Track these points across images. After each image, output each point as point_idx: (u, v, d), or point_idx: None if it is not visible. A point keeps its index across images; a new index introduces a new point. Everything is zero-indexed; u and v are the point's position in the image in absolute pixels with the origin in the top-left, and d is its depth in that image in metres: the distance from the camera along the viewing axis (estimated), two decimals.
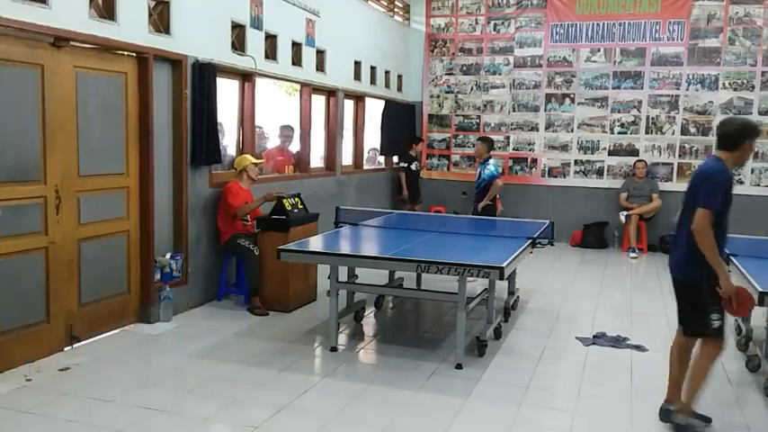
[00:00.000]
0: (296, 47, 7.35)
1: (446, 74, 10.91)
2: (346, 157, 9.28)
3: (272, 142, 7.96)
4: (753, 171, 9.59)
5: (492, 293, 5.35)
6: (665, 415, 3.78)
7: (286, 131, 7.84)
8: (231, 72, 6.44)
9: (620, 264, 8.92)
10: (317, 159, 8.46)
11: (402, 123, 10.50)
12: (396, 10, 10.65)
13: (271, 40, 6.88)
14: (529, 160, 10.56)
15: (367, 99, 9.59)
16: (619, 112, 10.11)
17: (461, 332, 4.59)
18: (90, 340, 4.92)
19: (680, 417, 3.71)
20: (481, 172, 7.52)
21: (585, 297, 6.85)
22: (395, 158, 10.51)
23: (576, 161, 10.36)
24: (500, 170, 7.89)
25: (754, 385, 4.44)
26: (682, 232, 3.65)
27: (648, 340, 5.31)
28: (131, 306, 5.35)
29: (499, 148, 10.63)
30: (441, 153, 10.98)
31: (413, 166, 10.15)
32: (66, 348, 4.69)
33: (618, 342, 5.27)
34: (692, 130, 9.82)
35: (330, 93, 8.44)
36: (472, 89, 10.79)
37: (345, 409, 3.92)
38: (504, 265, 4.41)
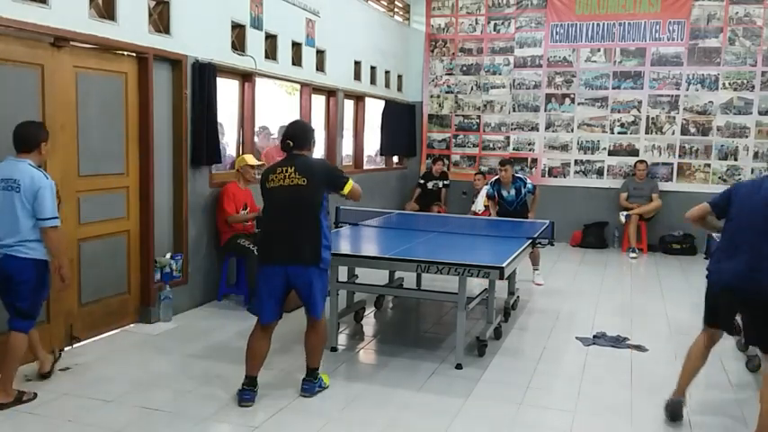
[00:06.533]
0: (296, 47, 7.35)
1: (446, 74, 10.91)
2: (346, 158, 9.29)
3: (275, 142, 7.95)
4: (753, 171, 9.59)
5: (492, 293, 5.35)
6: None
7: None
8: (231, 72, 6.43)
9: (620, 264, 8.92)
10: None
11: (402, 123, 10.51)
12: (396, 10, 10.65)
13: (271, 40, 6.88)
14: (529, 160, 10.55)
15: (367, 99, 9.59)
16: (619, 112, 10.11)
17: (461, 332, 4.59)
18: (90, 340, 4.93)
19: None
20: (520, 189, 7.38)
21: (585, 297, 6.85)
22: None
23: (576, 161, 10.36)
24: None
25: (754, 385, 4.43)
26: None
27: (648, 340, 5.31)
28: (131, 306, 5.36)
29: (499, 148, 10.67)
30: (441, 153, 10.98)
31: (429, 185, 10.40)
32: (66, 348, 4.69)
33: (618, 342, 5.27)
34: (692, 130, 9.82)
35: (330, 93, 8.44)
36: (472, 89, 10.79)
37: (345, 409, 3.92)
38: (504, 265, 4.41)
